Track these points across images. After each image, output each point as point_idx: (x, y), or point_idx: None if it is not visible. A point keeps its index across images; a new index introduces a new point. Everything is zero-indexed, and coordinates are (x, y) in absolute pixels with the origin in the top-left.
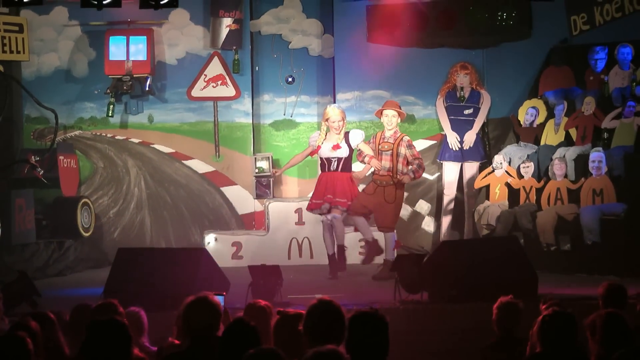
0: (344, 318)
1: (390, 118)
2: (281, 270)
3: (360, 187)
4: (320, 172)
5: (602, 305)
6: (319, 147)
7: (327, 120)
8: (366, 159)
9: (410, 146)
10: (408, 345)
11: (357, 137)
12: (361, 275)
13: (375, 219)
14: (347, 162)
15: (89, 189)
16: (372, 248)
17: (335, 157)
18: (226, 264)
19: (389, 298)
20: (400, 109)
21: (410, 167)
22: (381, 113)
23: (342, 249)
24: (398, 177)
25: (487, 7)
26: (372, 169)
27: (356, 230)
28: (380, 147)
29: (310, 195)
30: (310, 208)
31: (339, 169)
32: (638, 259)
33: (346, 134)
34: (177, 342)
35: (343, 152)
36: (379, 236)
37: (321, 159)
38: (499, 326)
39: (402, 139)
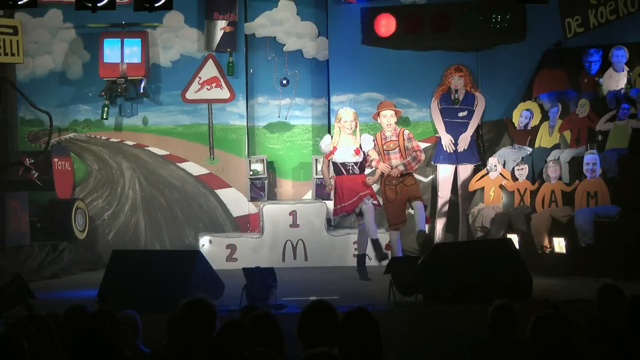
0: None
1: (389, 118)
2: (275, 273)
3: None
4: (334, 175)
5: (599, 306)
6: (334, 148)
7: (339, 121)
8: (373, 164)
9: (410, 139)
10: (402, 347)
11: (369, 143)
12: (356, 277)
13: (410, 199)
14: (362, 165)
15: (84, 191)
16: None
17: (353, 162)
18: (221, 266)
19: (384, 300)
20: (395, 107)
21: (406, 159)
22: (378, 115)
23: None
24: (389, 171)
25: (482, 10)
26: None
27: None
28: (385, 147)
29: (303, 197)
30: (344, 210)
31: (357, 172)
32: (632, 261)
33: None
34: (170, 344)
35: (360, 156)
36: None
37: (337, 163)
38: (494, 329)
39: (403, 133)
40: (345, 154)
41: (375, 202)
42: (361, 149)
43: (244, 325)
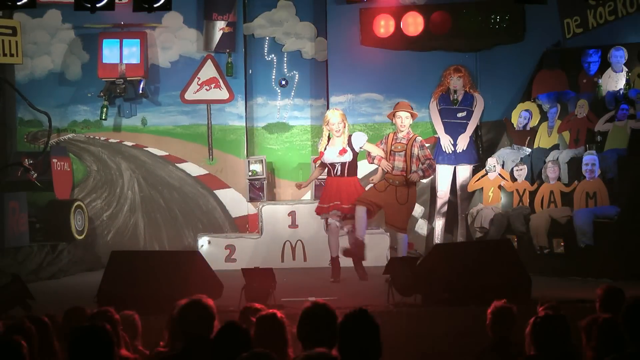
0: (338, 321)
1: (404, 119)
2: (274, 273)
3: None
4: (327, 176)
5: (599, 308)
6: (321, 153)
7: (327, 124)
8: (375, 160)
9: (422, 147)
10: (401, 348)
11: (359, 140)
12: (355, 278)
13: (387, 218)
14: (351, 166)
15: (83, 192)
16: (358, 247)
17: (339, 162)
18: (220, 267)
19: (383, 301)
20: (412, 109)
21: (420, 166)
22: (393, 115)
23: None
24: (408, 176)
25: (481, 10)
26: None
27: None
28: (392, 147)
29: (302, 197)
30: (317, 212)
31: (345, 174)
32: (631, 262)
33: (349, 137)
34: (168, 346)
35: (347, 157)
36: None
37: (326, 164)
38: (493, 331)
39: (414, 139)
40: (332, 155)
41: (339, 223)
42: (352, 148)
43: (245, 325)
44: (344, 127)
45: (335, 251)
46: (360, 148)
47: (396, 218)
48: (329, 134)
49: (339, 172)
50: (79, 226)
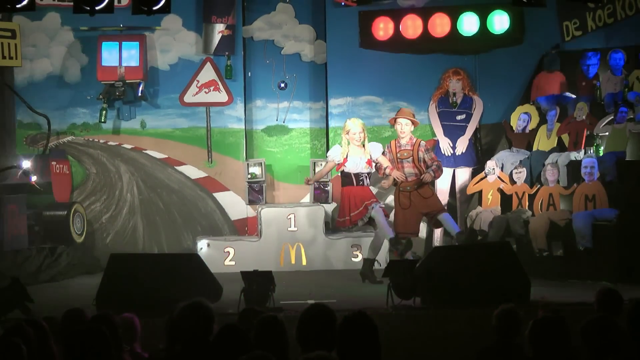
0: (337, 324)
1: (404, 127)
2: (273, 276)
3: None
4: (341, 185)
5: (597, 310)
6: (345, 160)
7: (347, 133)
8: (387, 171)
9: (427, 150)
10: (400, 351)
11: (377, 150)
12: (354, 281)
13: (427, 213)
14: (374, 176)
15: (82, 195)
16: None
17: (366, 173)
18: (218, 269)
19: (382, 304)
20: (414, 117)
21: (430, 167)
22: (395, 121)
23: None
24: (421, 177)
25: (480, 13)
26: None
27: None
28: (399, 155)
29: (302, 200)
30: (352, 221)
31: (368, 183)
32: (630, 265)
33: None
34: (167, 349)
35: (373, 167)
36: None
37: (349, 173)
38: (499, 333)
39: (419, 144)
40: (359, 165)
41: (382, 207)
42: (371, 157)
43: (247, 328)
44: (364, 137)
45: (390, 231)
46: (376, 159)
47: (434, 206)
48: (348, 142)
49: (364, 183)
50: (78, 229)
